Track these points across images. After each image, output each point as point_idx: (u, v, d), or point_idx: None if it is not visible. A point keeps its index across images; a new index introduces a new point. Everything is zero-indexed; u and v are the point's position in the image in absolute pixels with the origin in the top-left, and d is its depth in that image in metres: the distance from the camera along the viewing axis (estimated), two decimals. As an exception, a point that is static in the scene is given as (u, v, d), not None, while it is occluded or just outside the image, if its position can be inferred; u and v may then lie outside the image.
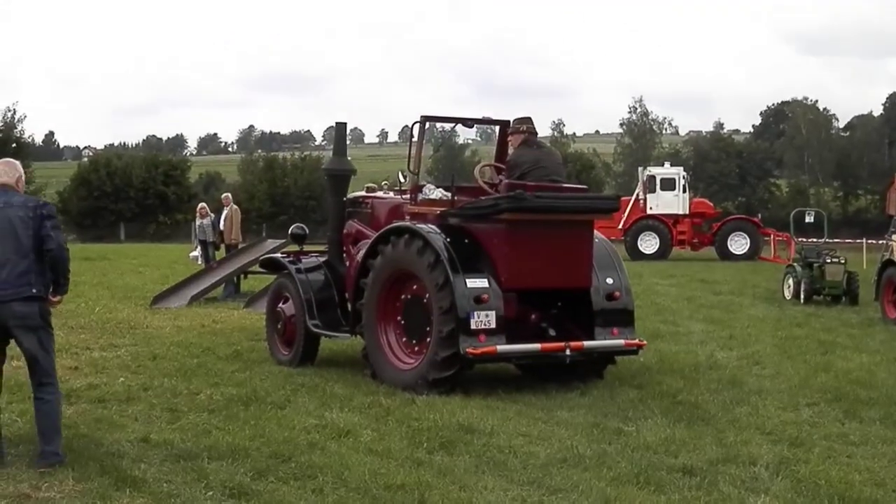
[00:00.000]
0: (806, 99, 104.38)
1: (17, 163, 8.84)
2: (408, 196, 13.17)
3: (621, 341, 12.20)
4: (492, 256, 11.79)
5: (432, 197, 13.03)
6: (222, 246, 27.70)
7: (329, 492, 7.63)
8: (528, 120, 12.82)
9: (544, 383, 12.01)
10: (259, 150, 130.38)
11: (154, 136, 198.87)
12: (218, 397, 11.18)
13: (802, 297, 23.44)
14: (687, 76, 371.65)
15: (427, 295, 11.76)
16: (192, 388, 11.66)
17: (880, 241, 33.88)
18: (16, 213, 8.24)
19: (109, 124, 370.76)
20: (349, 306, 13.33)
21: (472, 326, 11.31)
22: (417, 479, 7.91)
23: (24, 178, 8.70)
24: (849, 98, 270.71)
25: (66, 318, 17.03)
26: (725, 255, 45.57)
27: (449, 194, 12.74)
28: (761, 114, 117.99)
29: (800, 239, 29.95)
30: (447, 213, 12.33)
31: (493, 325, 11.42)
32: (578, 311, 12.32)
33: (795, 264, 24.78)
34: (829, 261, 23.67)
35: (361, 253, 13.00)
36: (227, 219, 27.21)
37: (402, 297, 12.23)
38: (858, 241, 46.57)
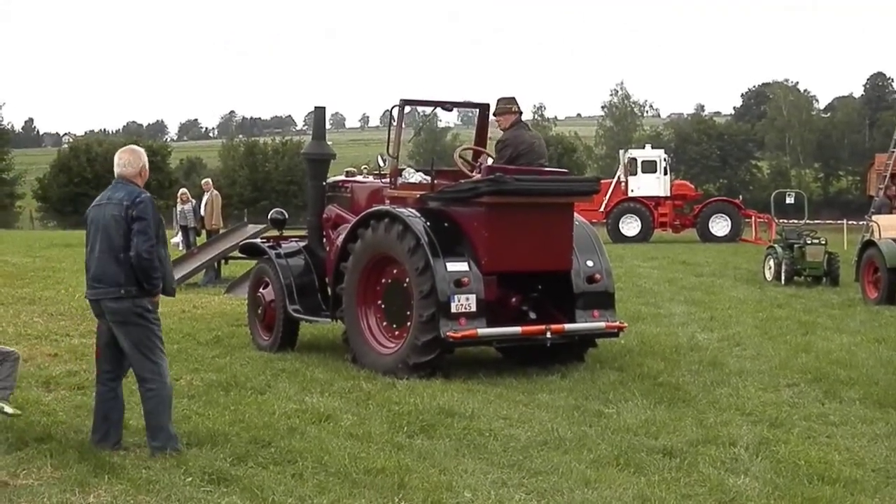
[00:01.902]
0: (787, 80, 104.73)
1: (142, 151, 8.70)
2: (387, 180, 13.09)
3: (602, 324, 12.19)
4: (472, 240, 11.75)
5: (412, 181, 12.95)
6: (203, 231, 27.63)
7: (309, 476, 7.61)
8: (514, 100, 12.74)
9: (525, 367, 12.00)
10: (240, 136, 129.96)
11: (134, 121, 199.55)
12: (198, 383, 11.16)
13: (783, 278, 23.46)
14: (669, 59, 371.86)
15: (407, 279, 11.72)
16: (172, 374, 11.53)
17: (861, 222, 34.07)
18: (112, 211, 8.22)
19: (89, 110, 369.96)
20: (329, 291, 13.29)
21: (453, 310, 11.30)
22: (397, 462, 7.90)
23: (147, 165, 8.60)
24: (829, 79, 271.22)
25: (45, 304, 16.98)
26: (707, 236, 45.57)
27: (429, 178, 12.68)
28: (742, 95, 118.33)
29: (781, 220, 29.99)
30: (427, 196, 12.27)
31: (474, 309, 11.40)
32: (559, 293, 12.29)
33: (776, 245, 24.81)
34: (809, 242, 23.68)
35: (341, 237, 12.92)
36: (207, 204, 27.13)
37: (383, 281, 12.19)
38: (839, 222, 46.70)
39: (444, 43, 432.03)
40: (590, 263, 12.31)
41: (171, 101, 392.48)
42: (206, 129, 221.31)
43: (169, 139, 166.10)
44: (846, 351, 13.42)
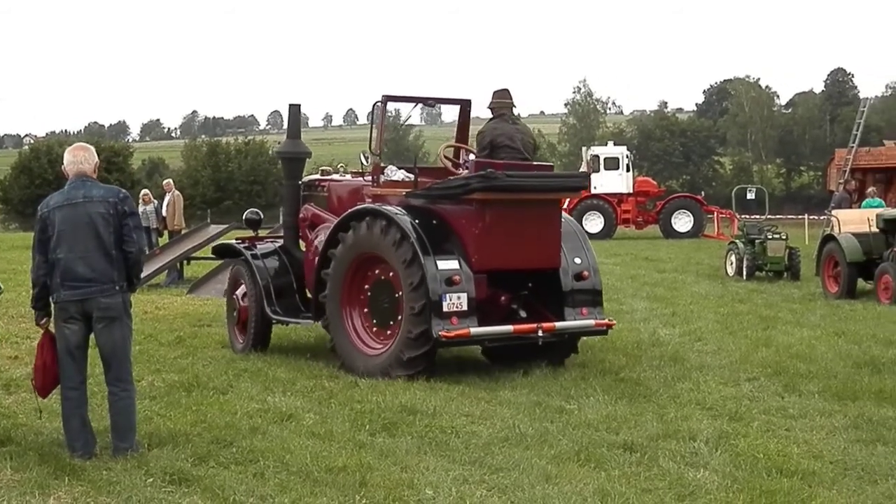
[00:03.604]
0: (748, 77, 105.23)
1: (93, 148, 8.70)
2: (367, 178, 12.86)
3: (591, 321, 11.97)
4: (461, 237, 11.54)
5: (395, 178, 12.72)
6: (165, 232, 27.55)
7: (270, 476, 7.61)
8: (506, 92, 12.49)
9: (488, 364, 12.02)
10: (203, 136, 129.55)
11: (96, 122, 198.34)
12: (160, 384, 11.12)
13: (745, 273, 23.64)
14: (632, 57, 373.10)
15: (393, 275, 11.49)
16: (134, 375, 11.52)
17: (822, 217, 34.34)
18: (96, 209, 8.17)
19: (50, 111, 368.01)
20: (307, 292, 13.09)
21: (445, 309, 11.07)
22: (359, 461, 7.91)
23: (98, 162, 8.63)
24: (790, 75, 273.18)
25: (6, 307, 16.84)
26: (669, 233, 45.79)
27: (412, 176, 12.46)
28: (704, 92, 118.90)
29: (743, 216, 30.17)
30: (413, 194, 12.03)
31: (465, 308, 11.19)
32: (546, 291, 12.09)
33: (738, 241, 24.99)
34: (770, 237, 23.86)
35: (321, 237, 12.74)
36: (169, 205, 27.09)
37: (367, 282, 11.95)
38: (801, 217, 47.05)
39: (405, 42, 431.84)
40: (577, 260, 12.09)
41: (133, 102, 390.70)
42: (169, 129, 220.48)
43: (131, 140, 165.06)
44: (806, 345, 13.52)
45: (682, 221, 46.27)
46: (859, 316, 16.79)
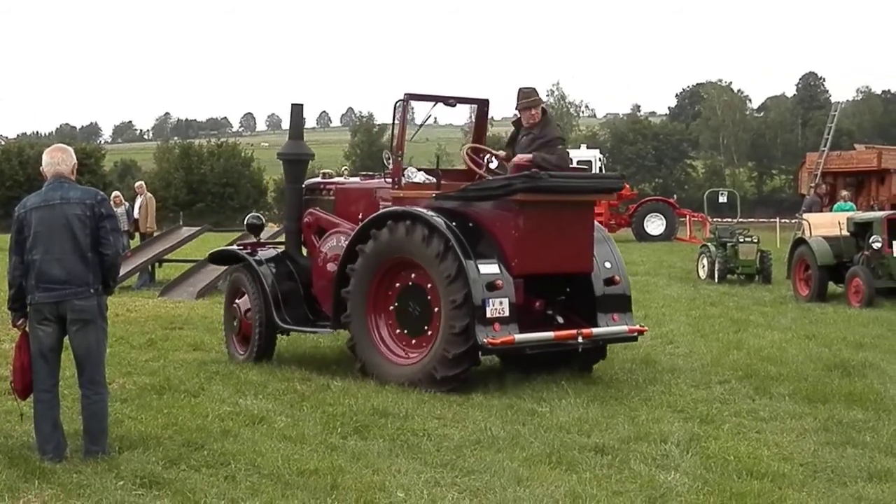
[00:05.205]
0: (720, 80, 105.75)
1: (71, 150, 8.68)
2: (386, 180, 12.29)
3: (624, 327, 11.69)
4: (499, 241, 11.12)
5: (416, 180, 12.20)
6: (136, 235, 27.44)
7: (242, 479, 7.59)
8: (536, 91, 12.03)
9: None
10: (175, 138, 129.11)
11: (68, 124, 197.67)
12: (131, 386, 11.09)
13: (717, 276, 23.74)
14: (605, 60, 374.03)
15: (429, 285, 11.09)
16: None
17: (793, 221, 34.53)
18: (73, 210, 8.13)
19: (21, 113, 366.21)
20: (316, 299, 12.63)
21: (488, 315, 10.64)
22: (331, 463, 7.90)
23: (76, 162, 8.62)
24: (762, 79, 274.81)
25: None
26: (642, 236, 45.88)
27: (433, 178, 12.08)
28: (677, 96, 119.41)
29: (715, 219, 30.29)
30: (446, 195, 11.54)
31: (507, 314, 10.77)
32: (575, 296, 11.78)
33: (709, 244, 25.09)
34: (742, 240, 23.96)
35: (332, 242, 12.42)
36: (141, 207, 26.99)
37: (397, 286, 11.49)
38: (772, 220, 47.28)
39: (377, 45, 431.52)
40: (608, 265, 11.80)
41: (105, 103, 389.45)
42: (141, 131, 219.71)
43: (103, 141, 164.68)
44: (777, 347, 13.59)
45: (655, 224, 46.37)
46: (830, 319, 16.88)
